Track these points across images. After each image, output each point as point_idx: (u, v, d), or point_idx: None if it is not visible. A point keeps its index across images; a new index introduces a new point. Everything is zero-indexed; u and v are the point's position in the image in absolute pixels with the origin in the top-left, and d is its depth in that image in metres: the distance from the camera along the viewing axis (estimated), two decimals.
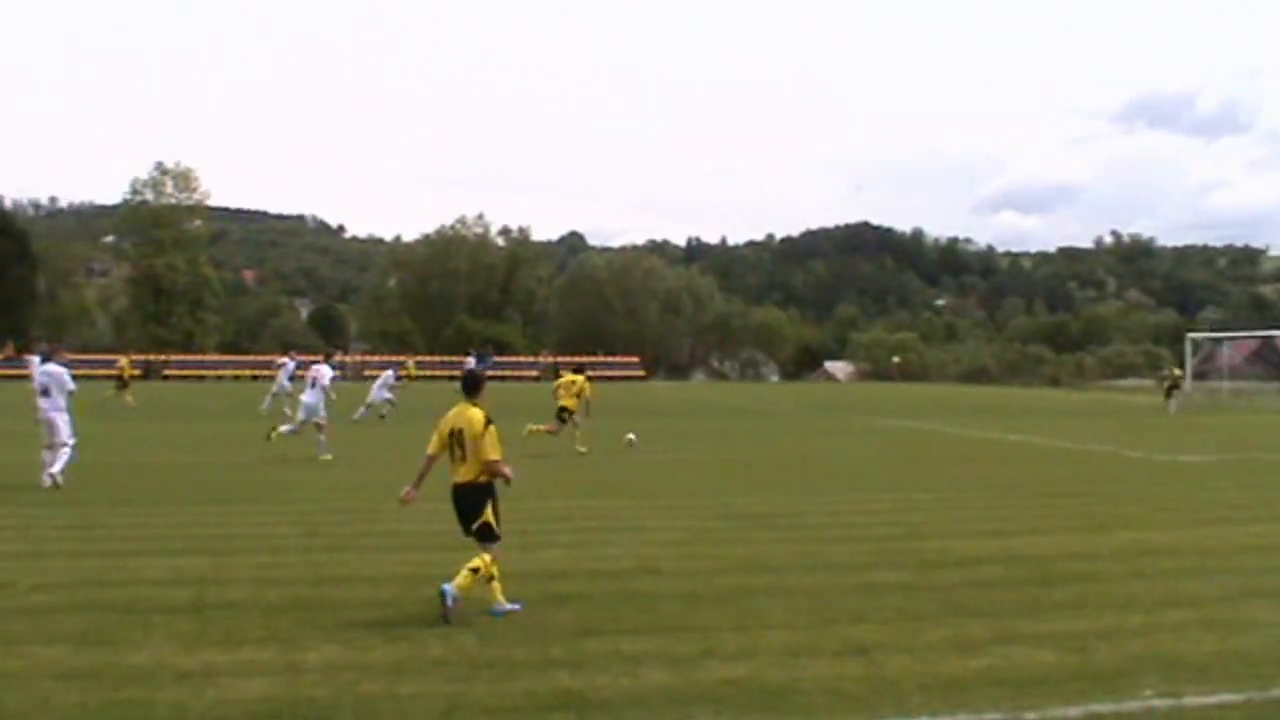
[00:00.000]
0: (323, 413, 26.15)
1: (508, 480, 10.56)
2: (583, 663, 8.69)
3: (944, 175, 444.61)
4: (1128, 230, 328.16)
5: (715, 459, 26.42)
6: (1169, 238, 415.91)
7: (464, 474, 10.45)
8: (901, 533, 15.01)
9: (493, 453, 10.37)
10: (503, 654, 8.92)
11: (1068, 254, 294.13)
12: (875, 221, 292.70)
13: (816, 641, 9.33)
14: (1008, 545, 14.03)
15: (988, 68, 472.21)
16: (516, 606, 10.36)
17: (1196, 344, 74.75)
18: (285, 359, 43.70)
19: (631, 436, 29.41)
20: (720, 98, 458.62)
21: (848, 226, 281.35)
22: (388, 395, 39.43)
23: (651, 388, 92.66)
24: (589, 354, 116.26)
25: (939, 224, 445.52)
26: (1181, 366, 66.51)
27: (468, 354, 63.93)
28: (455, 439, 10.52)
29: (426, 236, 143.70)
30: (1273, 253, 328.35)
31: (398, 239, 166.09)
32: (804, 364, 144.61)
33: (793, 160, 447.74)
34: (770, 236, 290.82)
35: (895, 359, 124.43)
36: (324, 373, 26.72)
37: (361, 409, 37.73)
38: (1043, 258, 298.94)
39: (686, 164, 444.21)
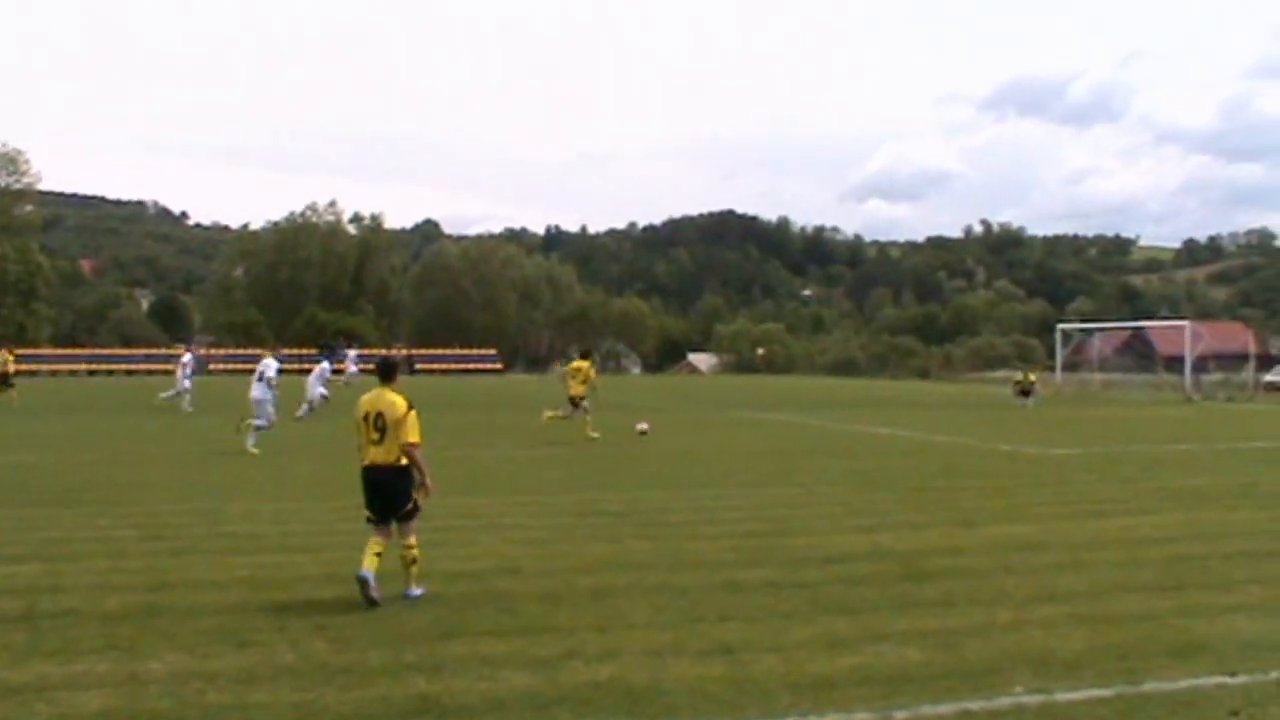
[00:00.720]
0: (270, 408, 26.86)
1: (421, 478, 11.09)
2: (440, 667, 8.66)
3: (811, 163, 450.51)
4: (998, 219, 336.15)
5: (576, 454, 26.45)
6: (1039, 227, 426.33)
7: (382, 455, 11.00)
8: (768, 529, 15.18)
9: (414, 435, 10.97)
10: (356, 659, 8.85)
11: (937, 243, 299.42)
12: (741, 210, 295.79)
13: (681, 641, 9.40)
14: (876, 541, 14.27)
15: (857, 52, 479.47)
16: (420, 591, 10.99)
17: (1067, 335, 76.48)
18: (185, 354, 43.77)
19: (643, 426, 30.96)
20: (581, 80, 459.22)
21: (712, 214, 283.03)
22: (323, 390, 38.91)
23: (509, 380, 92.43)
24: (444, 346, 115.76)
25: (806, 213, 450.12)
26: (1047, 362, 68.08)
27: (322, 349, 62.90)
28: (373, 422, 11.06)
29: (275, 224, 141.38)
30: (1143, 242, 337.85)
31: (245, 227, 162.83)
32: (667, 356, 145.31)
33: (657, 146, 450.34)
34: (632, 225, 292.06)
35: (760, 351, 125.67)
36: (270, 365, 27.51)
37: (304, 406, 37.07)
38: (911, 247, 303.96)
39: (545, 149, 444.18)
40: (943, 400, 57.74)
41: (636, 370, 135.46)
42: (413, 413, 11.03)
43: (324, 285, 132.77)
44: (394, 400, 11.09)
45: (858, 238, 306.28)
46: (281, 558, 12.70)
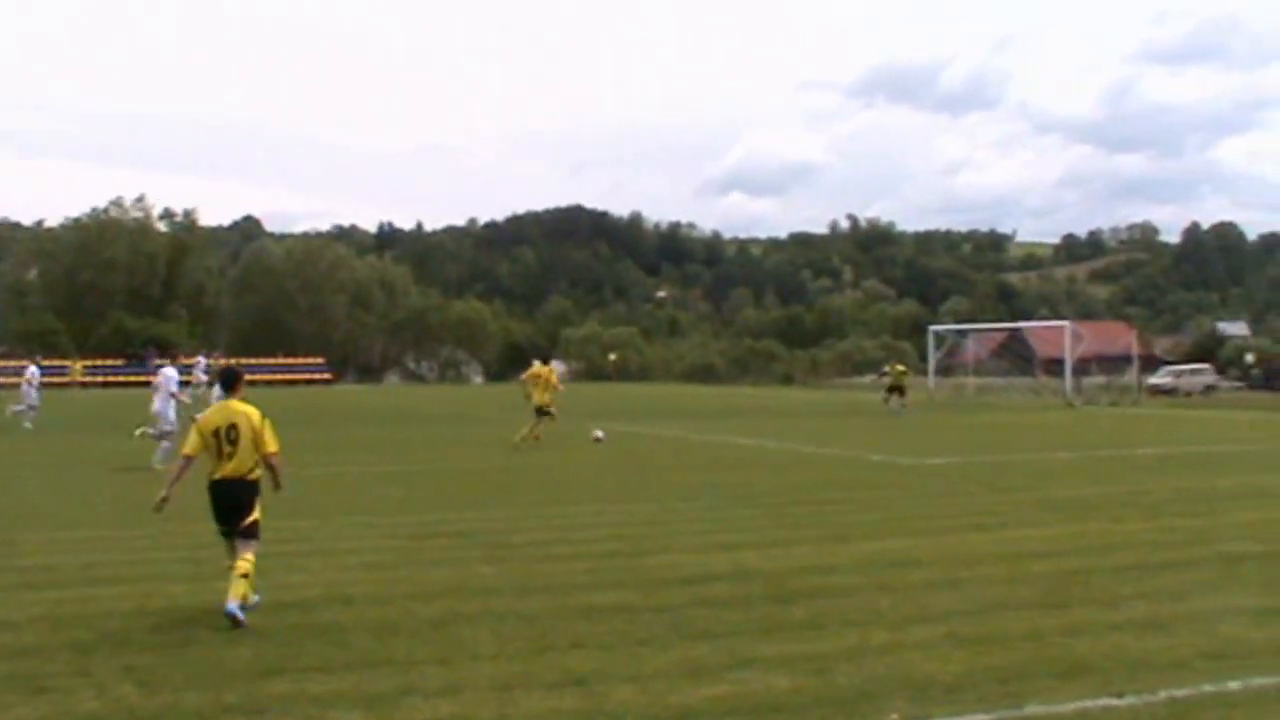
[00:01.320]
0: (172, 418, 27.62)
1: (279, 484, 11.77)
2: (264, 708, 8.48)
3: (666, 154, 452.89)
4: (866, 214, 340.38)
5: (414, 471, 26.26)
6: (910, 222, 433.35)
7: (232, 469, 11.49)
8: (623, 548, 15.18)
9: (274, 445, 11.60)
10: (169, 703, 8.63)
11: (801, 240, 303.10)
12: (590, 205, 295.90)
13: (530, 672, 9.33)
14: (740, 559, 14.33)
15: (715, 35, 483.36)
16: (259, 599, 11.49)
17: (940, 337, 77.87)
18: (30, 365, 43.50)
19: (599, 434, 32.16)
20: (416, 66, 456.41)
21: (559, 210, 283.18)
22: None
23: (339, 392, 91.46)
24: (267, 355, 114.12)
25: (660, 208, 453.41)
26: (912, 362, 69.17)
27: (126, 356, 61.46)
28: (225, 435, 11.51)
29: (76, 221, 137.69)
30: (1021, 238, 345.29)
31: (40, 224, 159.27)
32: (511, 363, 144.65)
33: (499, 137, 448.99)
34: (473, 221, 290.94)
35: (612, 356, 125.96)
36: (170, 377, 28.37)
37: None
38: (774, 244, 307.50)
39: (378, 140, 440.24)
40: (809, 408, 58.38)
41: (478, 379, 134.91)
42: (268, 421, 11.66)
43: (131, 289, 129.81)
44: (246, 411, 11.61)
45: (716, 234, 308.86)
46: (84, 592, 12.38)
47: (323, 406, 61.99)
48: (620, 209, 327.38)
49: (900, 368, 52.83)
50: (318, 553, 14.92)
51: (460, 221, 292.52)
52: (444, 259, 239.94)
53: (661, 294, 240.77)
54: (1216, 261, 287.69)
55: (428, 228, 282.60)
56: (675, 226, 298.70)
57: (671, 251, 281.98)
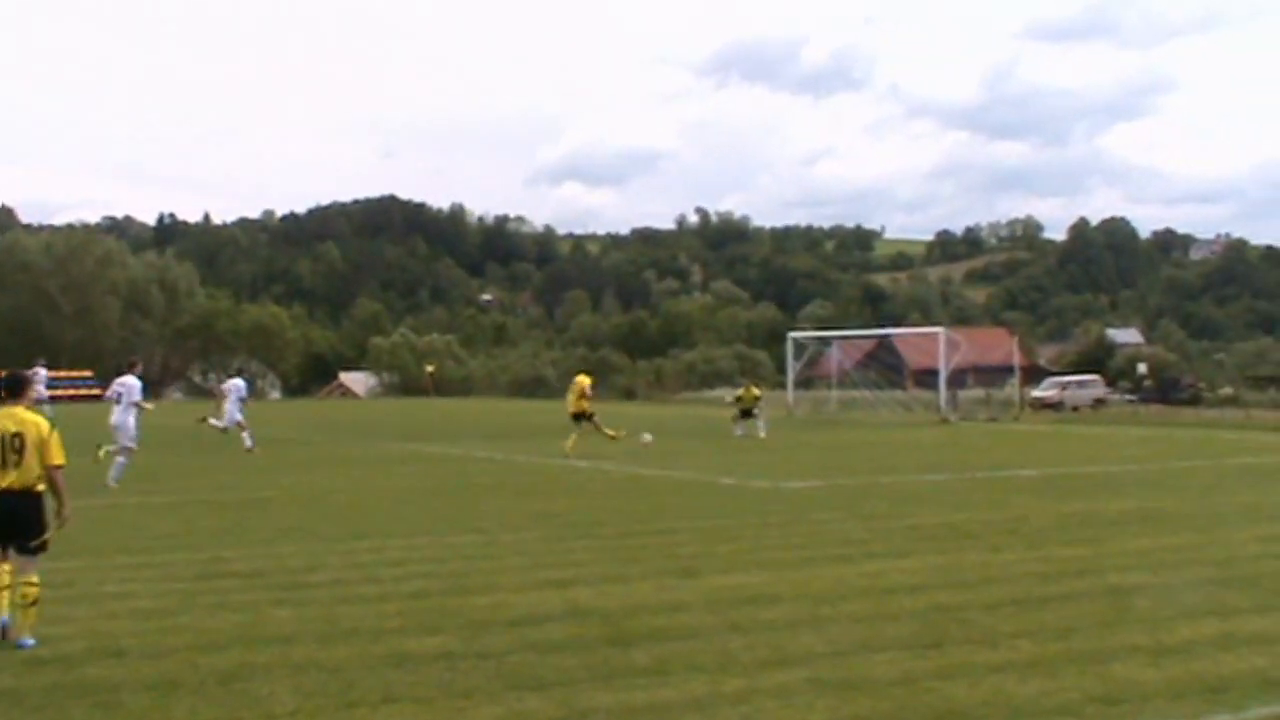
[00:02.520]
0: (133, 432, 29.16)
1: (62, 504, 12.18)
2: None
3: (492, 138, 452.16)
4: (717, 208, 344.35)
5: (197, 501, 25.91)
6: (767, 217, 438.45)
7: (17, 480, 11.84)
8: (441, 586, 15.10)
9: (60, 457, 12.02)
10: None
11: (644, 236, 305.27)
12: (405, 195, 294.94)
13: None
14: (574, 597, 14.32)
15: (550, 6, 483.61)
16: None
17: (800, 346, 78.59)
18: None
19: (648, 437, 38.64)
20: (203, 37, 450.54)
21: (369, 201, 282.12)
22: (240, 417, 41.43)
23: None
24: (25, 365, 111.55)
25: (485, 199, 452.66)
26: (768, 373, 69.68)
27: None
28: (10, 443, 11.85)
29: None
30: (890, 235, 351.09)
31: None
32: (313, 376, 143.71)
33: (299, 118, 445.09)
34: (269, 213, 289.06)
35: (429, 368, 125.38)
36: (133, 386, 29.87)
37: (246, 437, 39.73)
38: (613, 241, 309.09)
39: (157, 119, 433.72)
40: (652, 425, 58.57)
41: (276, 394, 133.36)
42: (56, 433, 12.11)
43: None
44: (34, 419, 12.04)
45: (549, 230, 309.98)
46: None
47: (92, 427, 60.74)
48: (439, 200, 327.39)
49: (755, 392, 52.41)
50: (84, 598, 14.61)
51: (254, 213, 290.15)
52: (235, 256, 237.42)
53: (486, 297, 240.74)
54: (1106, 261, 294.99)
55: (216, 220, 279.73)
56: (502, 220, 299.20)
57: (498, 249, 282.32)
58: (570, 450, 36.85)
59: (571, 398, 39.41)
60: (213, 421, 42.97)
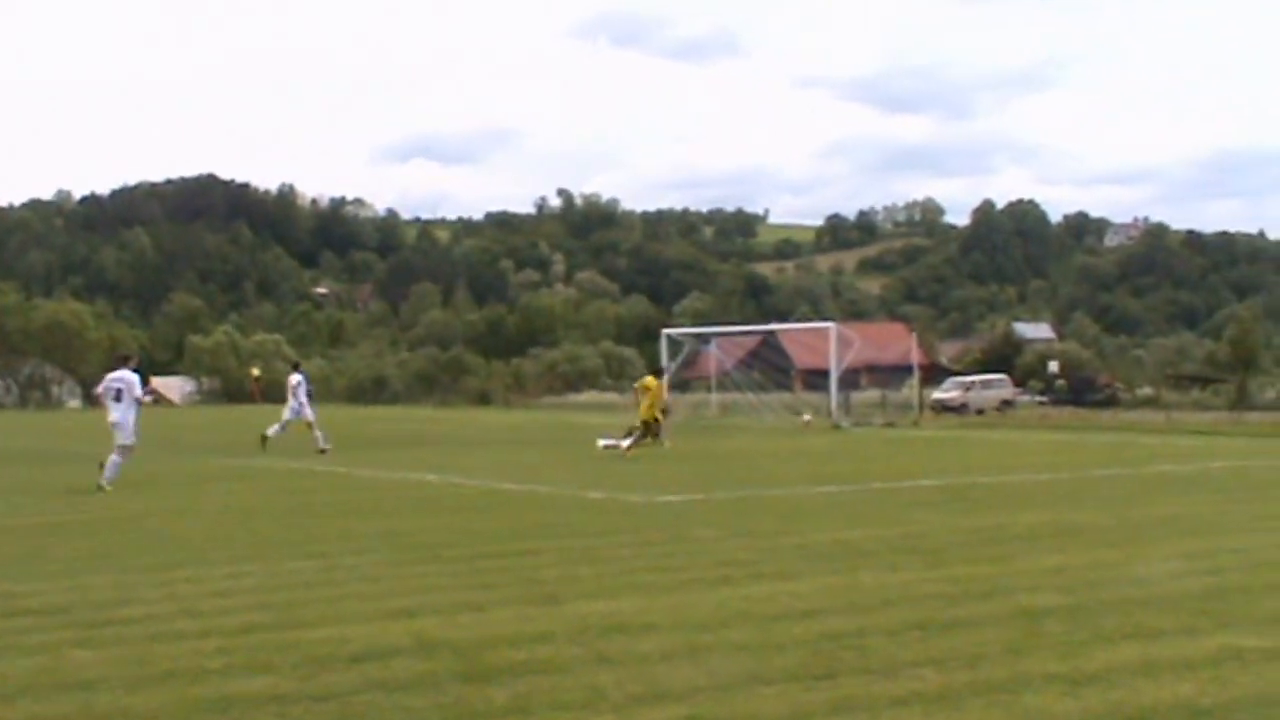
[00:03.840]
0: (133, 429, 30.89)
1: None
2: None
3: (328, 111, 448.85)
4: (583, 190, 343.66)
5: None
6: (638, 200, 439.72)
7: None
8: (272, 619, 14.99)
9: None
10: None
11: (500, 221, 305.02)
12: (226, 175, 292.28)
13: None
14: (423, 629, 14.28)
15: None
16: None
17: (675, 343, 78.82)
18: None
19: (807, 417, 42.61)
20: None
21: (186, 182, 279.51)
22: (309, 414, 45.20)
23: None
24: None
25: (320, 180, 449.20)
26: (639, 375, 69.79)
27: None
28: None
29: None
30: (775, 219, 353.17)
31: None
32: None
33: (102, 84, 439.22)
34: (65, 195, 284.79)
35: (255, 372, 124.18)
36: (132, 381, 31.14)
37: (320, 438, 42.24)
38: (466, 227, 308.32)
39: None
40: (511, 434, 58.58)
41: (75, 403, 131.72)
42: None
43: None
44: None
45: (392, 214, 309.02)
46: None
47: None
48: (267, 181, 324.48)
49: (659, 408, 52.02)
50: None
51: (47, 195, 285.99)
52: (26, 244, 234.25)
53: (321, 290, 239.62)
54: (1014, 248, 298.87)
55: (2, 203, 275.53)
56: (339, 203, 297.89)
57: (334, 236, 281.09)
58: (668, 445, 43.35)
59: (645, 404, 43.08)
60: (272, 431, 46.75)
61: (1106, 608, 15.31)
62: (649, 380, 43.91)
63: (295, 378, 49.21)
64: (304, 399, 48.13)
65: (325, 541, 22.15)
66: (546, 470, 37.19)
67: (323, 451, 43.97)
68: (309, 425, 46.60)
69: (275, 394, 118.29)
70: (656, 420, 42.50)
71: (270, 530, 24.13)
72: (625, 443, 41.50)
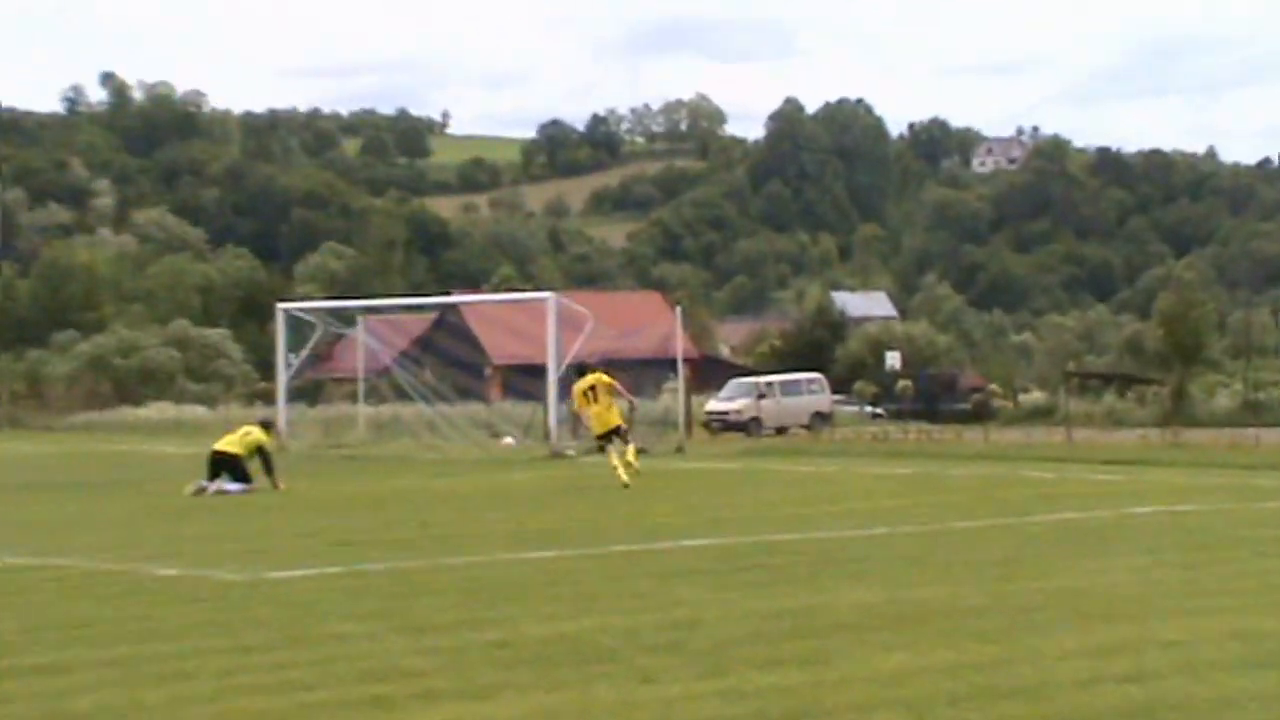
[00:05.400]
0: None
1: None
2: None
3: None
4: (144, 78, 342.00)
5: None
6: (237, 97, 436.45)
7: None
8: None
9: None
10: None
11: (6, 125, 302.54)
12: None
13: None
14: None
15: None
16: None
17: (298, 323, 78.84)
18: None
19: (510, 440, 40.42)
20: None
21: None
22: None
23: None
24: None
25: None
26: (243, 373, 69.74)
27: None
28: None
29: None
30: (456, 129, 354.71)
31: None
32: None
33: None
34: None
35: None
36: None
37: None
38: None
39: None
40: (28, 474, 58.18)
41: None
42: None
43: None
44: None
45: None
46: None
47: None
48: None
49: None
50: None
51: None
52: None
53: None
54: (831, 177, 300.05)
55: None
56: None
57: None
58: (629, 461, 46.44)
59: (596, 409, 46.68)
60: None
61: None
62: (590, 378, 47.47)
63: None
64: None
65: None
66: (85, 532, 36.79)
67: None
68: None
69: None
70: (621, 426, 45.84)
71: None
72: (629, 450, 45.14)
